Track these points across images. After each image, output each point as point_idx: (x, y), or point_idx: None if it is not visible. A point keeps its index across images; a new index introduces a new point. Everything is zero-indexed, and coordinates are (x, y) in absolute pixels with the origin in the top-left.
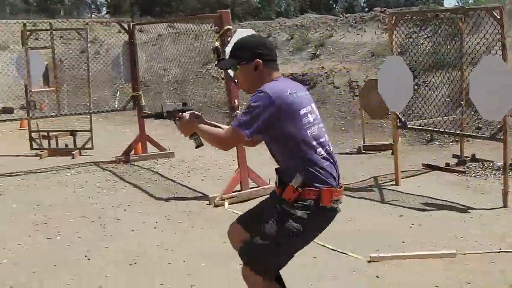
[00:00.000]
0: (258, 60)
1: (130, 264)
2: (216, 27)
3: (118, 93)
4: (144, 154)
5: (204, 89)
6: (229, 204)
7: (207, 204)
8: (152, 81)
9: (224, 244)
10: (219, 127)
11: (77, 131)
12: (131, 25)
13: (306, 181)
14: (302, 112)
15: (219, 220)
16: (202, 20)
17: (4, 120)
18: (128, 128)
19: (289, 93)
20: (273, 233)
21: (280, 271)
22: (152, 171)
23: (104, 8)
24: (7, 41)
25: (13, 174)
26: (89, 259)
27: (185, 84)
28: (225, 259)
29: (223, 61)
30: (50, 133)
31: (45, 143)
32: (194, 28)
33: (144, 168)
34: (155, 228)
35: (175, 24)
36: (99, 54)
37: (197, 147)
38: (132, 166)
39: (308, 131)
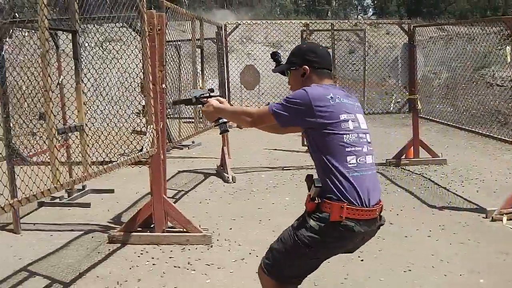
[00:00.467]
0: (305, 66)
1: (404, 271)
2: (508, 30)
3: (395, 95)
4: (416, 159)
5: (476, 95)
6: (507, 220)
7: (483, 217)
8: (421, 84)
9: (504, 262)
10: None
11: None
12: (412, 27)
13: (325, 193)
14: (342, 117)
15: (496, 235)
16: (488, 23)
17: None
18: (396, 131)
19: (331, 97)
20: (286, 239)
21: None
22: (424, 177)
23: (370, 10)
24: (280, 40)
25: (286, 168)
26: (362, 260)
27: (456, 89)
28: (504, 278)
29: (278, 66)
30: None
31: None
32: (466, 31)
33: (416, 173)
34: (429, 236)
35: (444, 26)
36: (368, 55)
37: (222, 133)
38: (403, 170)
39: (344, 136)
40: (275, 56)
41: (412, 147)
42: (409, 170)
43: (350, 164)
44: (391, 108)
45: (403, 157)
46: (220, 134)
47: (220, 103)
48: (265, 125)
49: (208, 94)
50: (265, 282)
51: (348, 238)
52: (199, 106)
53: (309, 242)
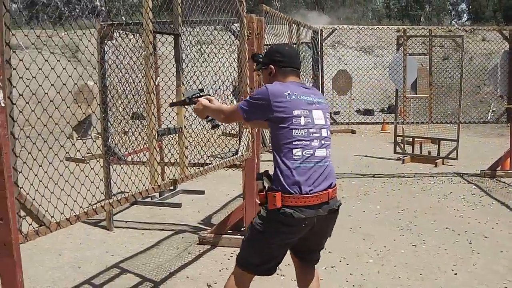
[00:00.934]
0: (271, 66)
1: (500, 287)
2: None
3: (493, 104)
4: None
5: None
6: None
7: None
8: None
9: None
10: None
11: (442, 139)
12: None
13: (272, 184)
14: (295, 113)
15: None
16: None
17: (368, 123)
18: (491, 141)
19: (288, 94)
20: (249, 229)
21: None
22: None
23: (465, 15)
24: (373, 45)
25: (376, 175)
26: (455, 274)
27: None
28: None
29: (256, 66)
30: (415, 139)
31: (408, 148)
32: None
33: None
34: None
35: None
36: (462, 62)
37: (213, 128)
38: (498, 181)
39: (294, 131)
40: (254, 57)
41: (508, 158)
42: (505, 182)
43: (296, 156)
44: (489, 117)
45: (499, 168)
46: (212, 129)
47: (209, 101)
48: (238, 120)
49: (198, 94)
50: (234, 271)
51: (292, 224)
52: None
53: (260, 229)
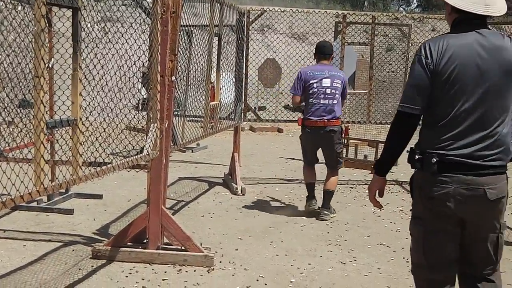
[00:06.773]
0: (315, 54)
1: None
2: None
3: None
4: None
5: None
6: None
7: None
8: None
9: None
10: None
11: (381, 142)
12: None
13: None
14: (311, 81)
15: None
16: None
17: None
18: None
19: (309, 71)
20: None
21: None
22: None
23: (414, 1)
24: (307, 31)
25: (304, 181)
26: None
27: None
28: None
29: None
30: (350, 141)
31: None
32: None
33: None
34: None
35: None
36: (409, 54)
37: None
38: None
39: (310, 90)
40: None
41: None
42: None
43: (311, 103)
44: None
45: None
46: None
47: None
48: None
49: None
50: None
51: (310, 133)
52: None
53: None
